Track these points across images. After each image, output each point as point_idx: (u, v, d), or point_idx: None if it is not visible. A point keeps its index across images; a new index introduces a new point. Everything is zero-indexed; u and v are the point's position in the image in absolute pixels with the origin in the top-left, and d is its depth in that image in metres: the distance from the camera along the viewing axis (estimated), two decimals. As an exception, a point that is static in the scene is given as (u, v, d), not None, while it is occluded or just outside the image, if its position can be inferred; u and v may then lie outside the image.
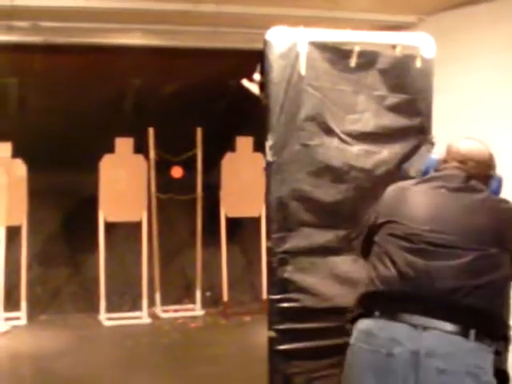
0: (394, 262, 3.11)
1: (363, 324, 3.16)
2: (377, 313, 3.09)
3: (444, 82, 4.51)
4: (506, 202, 3.28)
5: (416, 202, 3.25)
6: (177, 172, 9.12)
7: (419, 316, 2.97)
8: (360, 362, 3.09)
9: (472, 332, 2.93)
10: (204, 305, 9.14)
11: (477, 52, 6.08)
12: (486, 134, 3.55)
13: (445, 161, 3.41)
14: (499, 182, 3.38)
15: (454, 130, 3.92)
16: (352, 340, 3.20)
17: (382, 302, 3.10)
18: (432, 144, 4.09)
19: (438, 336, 2.93)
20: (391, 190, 3.45)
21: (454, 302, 2.97)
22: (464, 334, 2.93)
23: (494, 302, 3.03)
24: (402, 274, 3.06)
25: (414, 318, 2.97)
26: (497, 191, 3.36)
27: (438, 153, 3.51)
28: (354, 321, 3.25)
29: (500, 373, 3.02)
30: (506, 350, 3.11)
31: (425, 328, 2.95)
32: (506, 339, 3.08)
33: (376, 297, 3.14)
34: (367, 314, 3.15)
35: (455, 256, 3.03)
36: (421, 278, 3.02)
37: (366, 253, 3.50)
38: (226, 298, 8.89)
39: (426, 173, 3.49)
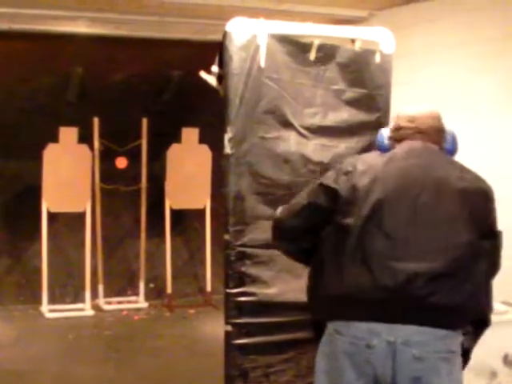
0: (367, 265, 2.95)
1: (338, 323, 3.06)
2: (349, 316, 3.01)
3: (398, 76, 4.54)
4: (476, 178, 3.12)
5: (388, 194, 3.01)
6: (121, 162, 8.99)
7: (396, 324, 2.92)
8: (338, 353, 3.04)
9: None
10: (147, 297, 9.05)
11: (427, 47, 6.16)
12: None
13: (396, 128, 3.23)
14: (453, 138, 3.27)
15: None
16: (329, 331, 3.09)
17: (354, 309, 2.98)
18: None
19: (414, 327, 2.93)
20: (361, 171, 3.08)
21: (432, 305, 2.92)
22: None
23: (473, 297, 3.00)
24: (377, 281, 2.93)
25: (390, 326, 2.93)
26: (453, 149, 3.26)
27: (386, 128, 3.33)
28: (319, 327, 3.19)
29: (464, 353, 3.11)
30: (482, 333, 3.18)
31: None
32: (486, 324, 3.16)
33: (345, 302, 3.00)
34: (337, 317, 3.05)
35: (433, 256, 2.94)
36: (398, 284, 2.90)
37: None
38: (169, 290, 8.82)
39: (381, 147, 3.28)
